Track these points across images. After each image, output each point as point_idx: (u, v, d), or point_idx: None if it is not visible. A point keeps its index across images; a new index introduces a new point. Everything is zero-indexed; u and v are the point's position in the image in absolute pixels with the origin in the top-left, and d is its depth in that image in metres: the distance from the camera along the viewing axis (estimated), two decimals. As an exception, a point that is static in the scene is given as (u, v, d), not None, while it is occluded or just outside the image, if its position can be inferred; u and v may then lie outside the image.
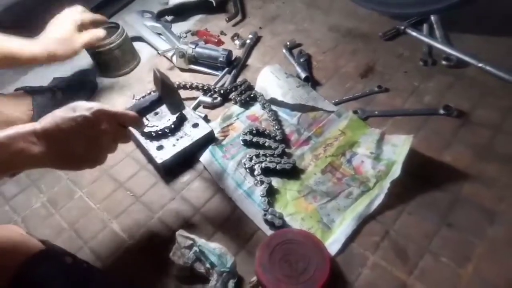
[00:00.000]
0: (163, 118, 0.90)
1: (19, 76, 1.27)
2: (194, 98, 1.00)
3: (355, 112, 0.89)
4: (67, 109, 0.58)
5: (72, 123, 0.56)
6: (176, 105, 0.73)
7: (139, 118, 0.65)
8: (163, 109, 0.94)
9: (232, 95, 0.97)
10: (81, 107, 0.58)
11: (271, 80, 0.95)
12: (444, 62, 0.95)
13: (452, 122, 0.83)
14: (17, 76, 1.27)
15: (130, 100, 1.03)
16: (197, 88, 1.00)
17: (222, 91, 0.99)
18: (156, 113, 0.91)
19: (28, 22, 0.88)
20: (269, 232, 0.72)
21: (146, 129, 0.87)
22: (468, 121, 0.82)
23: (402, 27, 1.06)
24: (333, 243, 0.69)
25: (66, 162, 0.59)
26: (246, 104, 0.97)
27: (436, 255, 0.65)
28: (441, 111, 0.84)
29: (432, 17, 1.05)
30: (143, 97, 0.97)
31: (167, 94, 0.69)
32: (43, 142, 0.56)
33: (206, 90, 1.00)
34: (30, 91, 0.98)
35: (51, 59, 0.89)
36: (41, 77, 1.18)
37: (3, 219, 0.85)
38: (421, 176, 0.75)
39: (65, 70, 1.18)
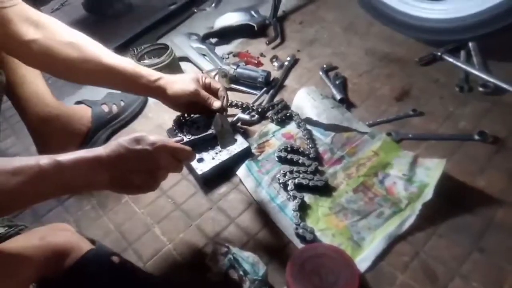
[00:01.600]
0: (201, 129, 0.95)
1: (76, 89, 1.39)
2: (233, 115, 1.06)
3: (388, 134, 0.90)
4: (132, 141, 0.61)
5: (135, 156, 0.60)
6: (227, 142, 0.90)
7: (193, 153, 0.70)
8: (201, 120, 1.00)
9: (269, 114, 1.03)
10: (145, 141, 0.62)
11: (307, 100, 0.99)
12: (481, 89, 0.95)
13: (487, 148, 0.83)
14: (74, 89, 1.40)
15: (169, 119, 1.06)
16: (236, 106, 1.06)
17: (259, 109, 1.04)
18: (194, 122, 0.98)
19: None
20: (300, 245, 0.75)
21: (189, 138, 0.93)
22: (504, 147, 0.82)
23: (439, 53, 1.07)
24: (362, 261, 0.70)
25: (123, 188, 0.63)
26: (282, 122, 1.01)
27: (467, 278, 0.65)
28: (476, 137, 0.84)
29: (470, 44, 1.05)
30: (182, 116, 1.02)
31: (223, 135, 0.87)
32: (105, 169, 0.59)
33: (245, 108, 1.06)
34: (89, 105, 1.08)
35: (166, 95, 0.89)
36: (96, 91, 1.27)
37: (57, 218, 0.93)
38: (453, 200, 0.75)
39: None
